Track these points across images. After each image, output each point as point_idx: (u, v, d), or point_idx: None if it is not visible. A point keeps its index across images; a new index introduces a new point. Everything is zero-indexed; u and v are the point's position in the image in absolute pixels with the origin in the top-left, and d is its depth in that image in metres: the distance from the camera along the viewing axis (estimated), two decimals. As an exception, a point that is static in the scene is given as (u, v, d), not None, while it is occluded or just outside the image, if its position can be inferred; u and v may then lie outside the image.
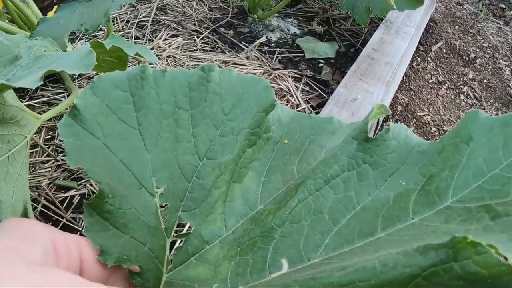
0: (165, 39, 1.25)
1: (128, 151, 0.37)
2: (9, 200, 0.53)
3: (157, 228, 0.37)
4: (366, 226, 0.36)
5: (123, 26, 1.31)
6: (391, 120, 1.32)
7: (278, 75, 1.15)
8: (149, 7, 1.39)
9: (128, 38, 1.24)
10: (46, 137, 0.92)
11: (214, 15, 1.41)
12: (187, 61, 1.16)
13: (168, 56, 1.17)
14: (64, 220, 0.76)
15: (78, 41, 1.23)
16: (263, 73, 1.15)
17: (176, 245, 0.42)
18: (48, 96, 1.02)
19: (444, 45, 1.65)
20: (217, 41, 1.27)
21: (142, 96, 0.38)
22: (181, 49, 1.21)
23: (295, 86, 1.13)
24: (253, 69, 1.16)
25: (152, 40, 1.24)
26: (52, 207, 0.78)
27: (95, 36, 1.25)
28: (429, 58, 1.57)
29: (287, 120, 0.44)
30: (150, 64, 1.10)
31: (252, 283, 0.36)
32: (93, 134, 0.35)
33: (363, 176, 0.38)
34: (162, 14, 1.37)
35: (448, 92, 1.48)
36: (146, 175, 0.37)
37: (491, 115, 0.37)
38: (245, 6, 1.44)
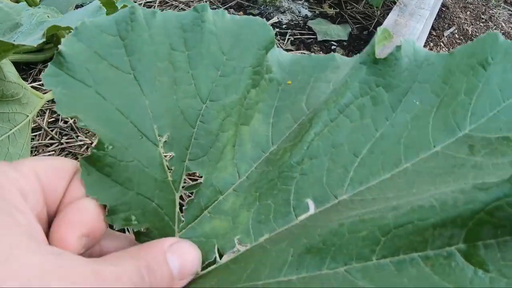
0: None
1: (124, 98, 0.33)
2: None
3: (164, 181, 0.34)
4: (389, 155, 0.34)
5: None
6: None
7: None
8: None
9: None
10: (49, 120, 0.89)
11: (223, -5, 1.37)
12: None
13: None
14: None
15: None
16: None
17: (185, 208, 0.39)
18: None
19: (456, 30, 1.61)
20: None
21: (133, 39, 0.35)
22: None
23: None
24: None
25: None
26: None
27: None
28: (441, 43, 1.53)
29: (287, 63, 0.41)
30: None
31: (279, 229, 0.33)
32: (83, 82, 0.32)
33: (378, 100, 0.35)
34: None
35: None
36: (147, 123, 0.34)
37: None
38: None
